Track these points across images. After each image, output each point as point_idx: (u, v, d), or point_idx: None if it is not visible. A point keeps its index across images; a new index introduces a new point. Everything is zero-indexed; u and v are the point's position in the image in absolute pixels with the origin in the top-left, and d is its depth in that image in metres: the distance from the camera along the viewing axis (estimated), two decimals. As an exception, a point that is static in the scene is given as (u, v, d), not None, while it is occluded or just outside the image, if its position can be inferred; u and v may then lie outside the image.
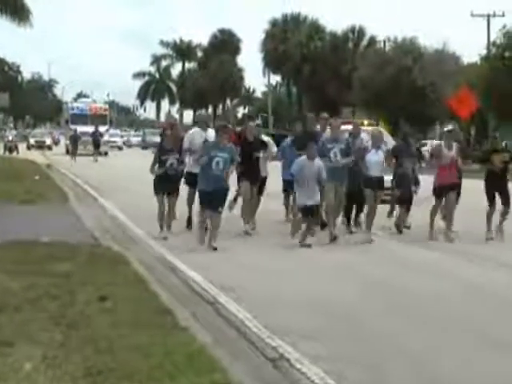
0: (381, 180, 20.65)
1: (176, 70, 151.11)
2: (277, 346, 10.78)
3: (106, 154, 71.54)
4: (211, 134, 21.25)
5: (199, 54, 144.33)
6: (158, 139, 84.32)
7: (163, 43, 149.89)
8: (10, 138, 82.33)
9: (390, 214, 22.80)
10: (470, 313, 13.38)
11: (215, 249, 18.58)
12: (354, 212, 22.24)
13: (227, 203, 20.70)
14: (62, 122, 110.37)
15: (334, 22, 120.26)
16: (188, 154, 21.27)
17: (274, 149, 23.69)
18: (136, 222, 23.64)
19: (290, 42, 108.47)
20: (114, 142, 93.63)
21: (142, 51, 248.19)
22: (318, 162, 19.26)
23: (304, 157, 19.21)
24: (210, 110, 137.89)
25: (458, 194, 21.42)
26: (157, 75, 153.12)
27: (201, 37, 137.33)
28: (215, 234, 18.96)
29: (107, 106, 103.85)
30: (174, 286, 15.00)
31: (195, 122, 25.00)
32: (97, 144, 68.98)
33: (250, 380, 9.10)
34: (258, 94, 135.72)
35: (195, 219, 21.15)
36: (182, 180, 21.81)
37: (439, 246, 19.94)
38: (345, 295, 14.21)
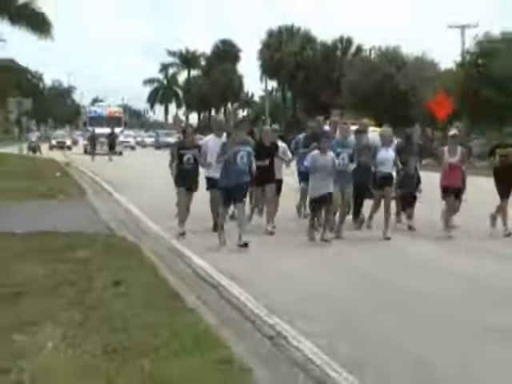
0: (390, 176, 19.99)
1: (182, 76, 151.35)
2: (274, 323, 10.77)
3: (120, 153, 71.32)
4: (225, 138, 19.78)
5: (203, 62, 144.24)
6: (170, 140, 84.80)
7: (170, 53, 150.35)
8: (34, 139, 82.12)
9: (398, 214, 21.64)
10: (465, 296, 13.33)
11: (246, 245, 17.02)
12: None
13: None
14: (80, 124, 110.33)
15: (325, 33, 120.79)
16: (205, 156, 19.67)
17: (289, 155, 22.61)
18: (148, 214, 23.50)
19: (285, 51, 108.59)
20: (128, 142, 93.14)
21: (152, 60, 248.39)
22: (330, 154, 18.34)
23: (317, 150, 18.49)
24: (213, 112, 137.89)
25: (459, 197, 20.38)
26: (165, 82, 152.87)
27: (204, 46, 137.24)
28: (242, 228, 17.52)
29: (121, 110, 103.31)
30: (182, 271, 14.93)
31: (208, 125, 23.61)
32: (112, 144, 68.92)
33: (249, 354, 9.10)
34: (256, 98, 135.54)
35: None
36: (204, 185, 20.22)
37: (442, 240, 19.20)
38: (345, 288, 13.80)
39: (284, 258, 16.50)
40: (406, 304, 12.72)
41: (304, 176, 20.79)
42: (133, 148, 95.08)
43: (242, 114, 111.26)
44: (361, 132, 21.14)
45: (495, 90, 63.35)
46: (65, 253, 15.33)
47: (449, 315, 11.96)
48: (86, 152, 70.14)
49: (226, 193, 17.62)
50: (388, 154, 19.71)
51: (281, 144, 21.99)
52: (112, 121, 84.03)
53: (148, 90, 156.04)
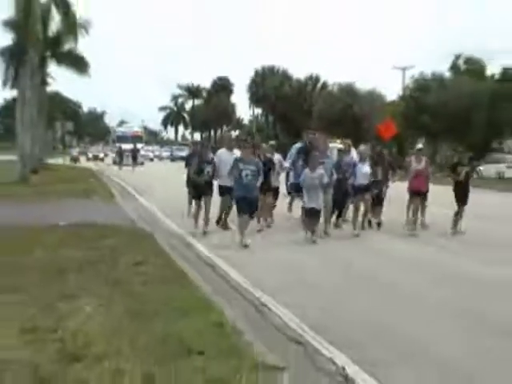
0: (368, 187, 19.24)
1: (188, 105, 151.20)
2: (259, 296, 10.79)
3: (141, 164, 71.14)
4: (237, 153, 18.59)
5: (204, 94, 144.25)
6: (182, 153, 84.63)
7: (179, 86, 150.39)
8: (74, 152, 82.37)
9: (366, 213, 20.20)
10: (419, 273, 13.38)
11: (246, 246, 15.93)
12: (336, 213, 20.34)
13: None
14: (110, 141, 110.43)
15: (298, 72, 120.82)
16: (218, 169, 18.64)
17: (285, 164, 21.19)
18: (161, 211, 23.43)
19: (268, 86, 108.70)
20: (147, 155, 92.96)
21: (165, 92, 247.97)
22: (319, 171, 17.18)
23: (307, 169, 17.36)
24: (212, 133, 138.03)
25: (425, 198, 20.07)
26: (175, 109, 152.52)
27: (205, 81, 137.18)
28: (244, 232, 16.26)
29: (142, 130, 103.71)
30: (186, 254, 14.92)
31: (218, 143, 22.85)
32: (135, 157, 69.15)
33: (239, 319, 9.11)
34: (246, 122, 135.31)
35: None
36: (216, 191, 19.07)
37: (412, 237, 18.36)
38: (327, 274, 13.24)
39: (276, 249, 16.05)
40: (374, 284, 12.60)
41: (293, 187, 20.31)
42: (151, 160, 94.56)
43: (234, 134, 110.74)
44: (344, 151, 20.45)
45: (428, 117, 63.74)
46: (97, 240, 15.33)
47: (407, 292, 12.01)
48: (114, 163, 69.97)
49: (239, 202, 16.50)
50: (365, 169, 19.20)
51: (277, 156, 21.29)
52: (135, 139, 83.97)
53: (162, 114, 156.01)
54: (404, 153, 62.18)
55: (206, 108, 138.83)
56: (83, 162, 77.90)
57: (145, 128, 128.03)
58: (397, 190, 21.06)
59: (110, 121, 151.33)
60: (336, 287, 11.95)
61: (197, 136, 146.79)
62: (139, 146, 78.69)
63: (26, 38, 36.16)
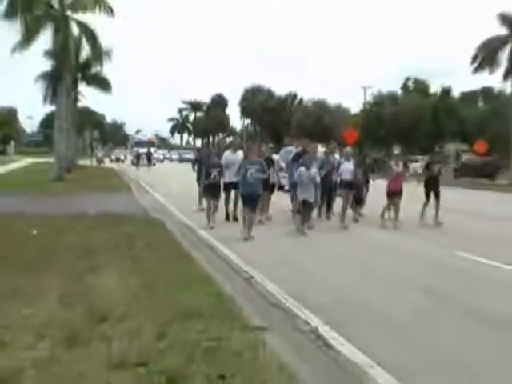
0: (352, 183, 18.24)
1: (191, 116, 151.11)
2: (248, 270, 10.82)
3: (154, 165, 70.96)
4: (240, 154, 18.19)
5: (204, 107, 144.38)
6: (189, 156, 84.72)
7: (184, 102, 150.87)
8: (99, 155, 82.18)
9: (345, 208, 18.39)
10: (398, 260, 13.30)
11: (252, 238, 14.84)
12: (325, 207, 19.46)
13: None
14: (129, 146, 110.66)
15: (280, 89, 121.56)
16: (224, 168, 17.73)
17: (282, 164, 20.41)
18: (170, 202, 23.42)
19: (255, 101, 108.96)
20: (159, 157, 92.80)
21: (172, 106, 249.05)
22: (313, 170, 16.42)
23: (303, 168, 16.30)
24: (211, 139, 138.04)
25: (400, 196, 18.28)
26: (180, 120, 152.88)
27: (205, 97, 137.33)
28: (251, 226, 15.09)
29: (154, 137, 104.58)
30: (191, 238, 14.91)
31: (226, 147, 21.93)
32: (149, 159, 69.42)
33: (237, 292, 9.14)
34: (238, 130, 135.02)
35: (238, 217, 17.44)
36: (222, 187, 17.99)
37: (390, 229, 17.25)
38: (310, 257, 12.94)
39: (269, 237, 15.57)
40: (349, 264, 12.65)
41: (293, 187, 18.24)
42: (162, 161, 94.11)
43: (228, 139, 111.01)
44: (329, 153, 19.87)
45: (383, 128, 64.00)
46: (118, 226, 15.29)
47: (376, 269, 12.04)
48: (132, 164, 69.91)
49: (245, 196, 15.36)
50: (349, 167, 18.28)
51: (275, 157, 20.59)
52: (149, 144, 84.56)
53: (170, 124, 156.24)
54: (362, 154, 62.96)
55: (206, 119, 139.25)
56: (107, 163, 77.78)
57: (156, 135, 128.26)
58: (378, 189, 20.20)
59: (129, 130, 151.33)
60: (316, 266, 11.86)
61: (198, 142, 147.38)
62: (152, 150, 78.92)
63: (62, 65, 36.40)
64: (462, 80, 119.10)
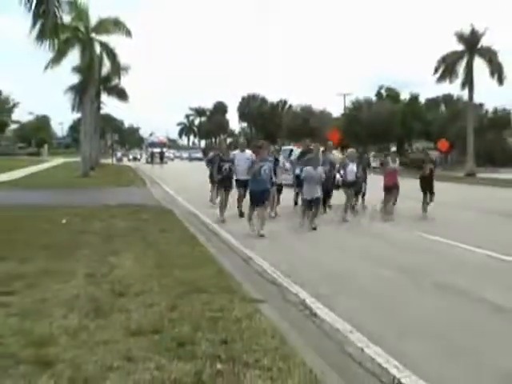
0: (355, 182, 17.07)
1: (197, 121, 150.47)
2: (248, 253, 10.80)
3: (166, 163, 71.06)
4: (248, 152, 16.59)
5: (207, 113, 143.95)
6: (197, 155, 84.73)
7: (190, 108, 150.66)
8: (119, 154, 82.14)
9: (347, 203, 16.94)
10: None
11: (262, 235, 12.92)
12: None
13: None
14: (143, 147, 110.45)
15: (272, 97, 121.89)
16: (235, 165, 16.27)
17: (287, 165, 19.70)
18: (180, 195, 23.27)
19: (251, 107, 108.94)
20: (169, 156, 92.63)
21: (180, 112, 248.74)
22: (319, 169, 14.82)
23: (310, 167, 14.69)
24: (213, 140, 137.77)
25: (397, 190, 17.35)
26: (187, 124, 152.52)
27: (208, 104, 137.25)
28: (263, 222, 13.27)
29: (166, 139, 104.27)
30: (196, 224, 14.83)
31: (235, 147, 20.05)
32: (162, 157, 69.51)
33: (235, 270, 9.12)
34: (236, 132, 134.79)
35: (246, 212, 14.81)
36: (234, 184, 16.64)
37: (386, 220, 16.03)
38: (302, 243, 12.45)
39: (269, 227, 13.91)
40: (337, 248, 12.57)
41: (299, 182, 16.69)
42: (172, 160, 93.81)
43: (228, 140, 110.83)
44: (326, 151, 18.43)
45: (362, 129, 63.90)
46: (135, 215, 15.33)
47: (355, 250, 12.01)
48: (147, 162, 70.00)
49: (254, 196, 13.60)
50: (354, 168, 16.98)
51: (281, 157, 19.22)
52: (161, 145, 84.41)
53: (178, 128, 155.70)
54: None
55: (209, 123, 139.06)
56: (125, 162, 77.67)
57: (167, 137, 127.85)
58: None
59: (143, 133, 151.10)
60: (306, 250, 11.79)
61: (202, 143, 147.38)
62: (164, 149, 78.94)
63: (87, 79, 36.54)
64: (428, 88, 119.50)
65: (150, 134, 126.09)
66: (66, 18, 28.71)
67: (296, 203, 18.59)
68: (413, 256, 10.92)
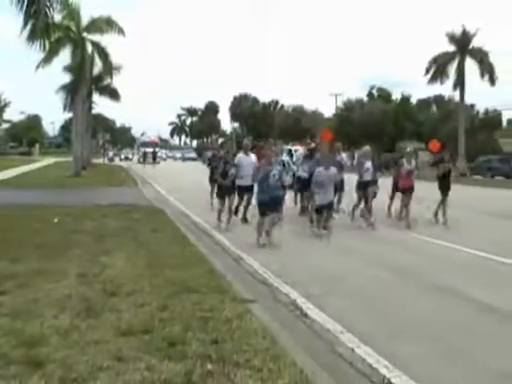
0: (372, 181, 15.28)
1: (188, 120, 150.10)
2: (239, 253, 10.82)
3: (158, 163, 70.90)
4: (252, 156, 15.63)
5: (199, 112, 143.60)
6: (191, 155, 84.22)
7: (183, 108, 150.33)
8: (110, 154, 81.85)
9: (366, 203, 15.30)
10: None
11: (265, 244, 11.80)
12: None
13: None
14: (135, 146, 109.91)
15: (264, 97, 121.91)
16: (237, 168, 14.59)
17: (293, 166, 18.57)
18: (171, 195, 23.29)
19: (243, 107, 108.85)
20: (161, 156, 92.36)
21: (173, 111, 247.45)
22: (333, 169, 13.54)
23: (322, 167, 13.41)
24: (205, 140, 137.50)
25: (412, 192, 15.40)
26: (179, 124, 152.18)
27: (200, 104, 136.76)
28: (271, 230, 12.01)
29: (158, 138, 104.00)
30: (187, 224, 14.81)
31: (239, 148, 18.61)
32: (155, 157, 69.50)
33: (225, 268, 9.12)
34: (228, 132, 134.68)
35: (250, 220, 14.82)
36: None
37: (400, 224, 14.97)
38: (293, 243, 12.29)
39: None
40: (330, 249, 12.51)
41: (304, 183, 15.78)
42: (165, 160, 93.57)
43: (220, 140, 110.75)
44: (335, 152, 16.64)
45: (353, 129, 64.06)
46: (126, 214, 15.29)
47: (346, 247, 11.99)
48: (139, 162, 69.81)
49: (263, 206, 11.96)
50: (369, 166, 15.55)
51: (284, 159, 17.97)
52: (153, 144, 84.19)
53: (170, 127, 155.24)
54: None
55: (201, 123, 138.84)
56: (117, 161, 77.44)
57: (159, 137, 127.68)
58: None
59: (135, 132, 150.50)
60: (296, 250, 11.76)
61: (194, 143, 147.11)
62: (156, 149, 78.78)
63: (79, 79, 36.40)
64: (420, 89, 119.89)
65: (142, 134, 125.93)
66: (58, 17, 28.62)
67: (296, 203, 17.99)
68: (406, 257, 10.97)
